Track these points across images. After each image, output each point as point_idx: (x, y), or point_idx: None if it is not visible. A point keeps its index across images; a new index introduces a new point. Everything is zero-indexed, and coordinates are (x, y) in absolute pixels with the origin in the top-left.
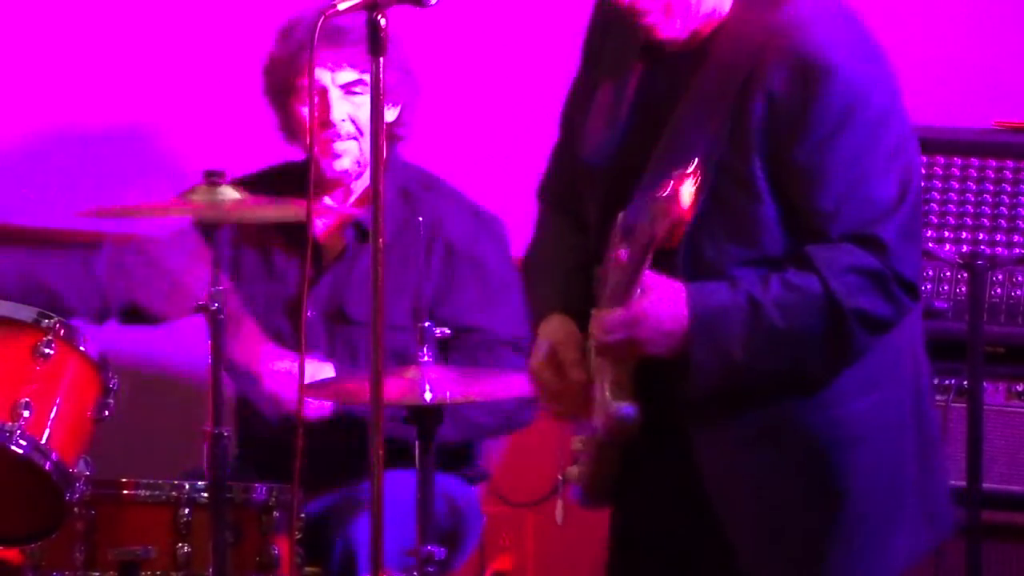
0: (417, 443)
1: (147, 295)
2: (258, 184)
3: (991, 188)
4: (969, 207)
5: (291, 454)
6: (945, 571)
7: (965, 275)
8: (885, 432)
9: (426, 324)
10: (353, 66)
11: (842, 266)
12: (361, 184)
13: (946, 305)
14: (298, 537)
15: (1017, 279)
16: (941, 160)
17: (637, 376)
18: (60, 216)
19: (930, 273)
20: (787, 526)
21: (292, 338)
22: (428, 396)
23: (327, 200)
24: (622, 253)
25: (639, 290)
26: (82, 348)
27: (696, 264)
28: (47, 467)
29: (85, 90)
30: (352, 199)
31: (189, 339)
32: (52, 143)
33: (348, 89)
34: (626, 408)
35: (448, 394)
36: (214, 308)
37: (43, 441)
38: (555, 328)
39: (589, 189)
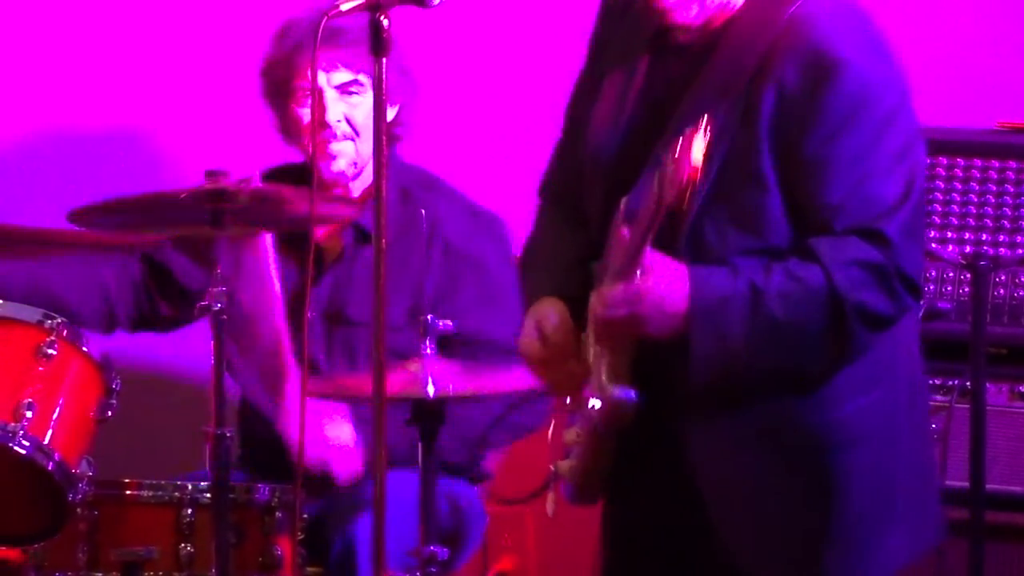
0: (420, 443)
1: (154, 303)
2: None
3: (994, 189)
4: (972, 208)
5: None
6: (946, 571)
7: (968, 276)
8: (882, 431)
9: (428, 317)
10: (348, 67)
11: (846, 259)
12: (359, 185)
13: (949, 306)
14: (300, 538)
15: (1020, 280)
16: (944, 161)
17: (634, 370)
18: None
19: (933, 274)
20: (783, 526)
21: (292, 339)
22: (431, 390)
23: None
24: (625, 231)
25: (641, 270)
26: (85, 349)
27: (698, 250)
28: (50, 467)
29: (85, 91)
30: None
31: (191, 340)
32: (52, 144)
33: (344, 90)
34: (624, 391)
35: (451, 387)
36: (216, 309)
37: (46, 441)
38: (544, 306)
39: (593, 180)
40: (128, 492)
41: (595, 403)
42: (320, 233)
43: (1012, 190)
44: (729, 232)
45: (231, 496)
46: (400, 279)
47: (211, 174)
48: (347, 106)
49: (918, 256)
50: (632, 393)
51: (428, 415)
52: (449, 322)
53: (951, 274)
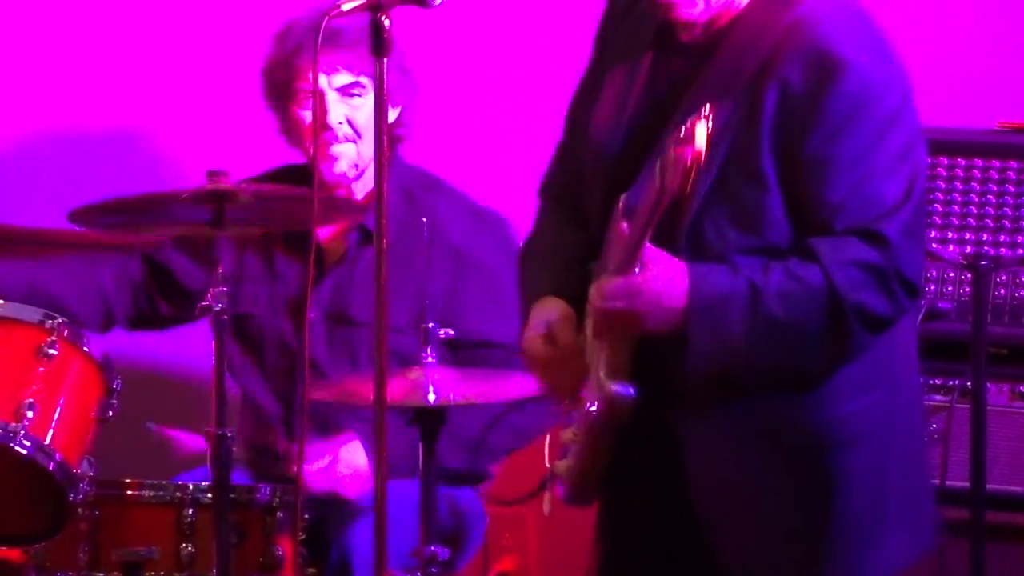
0: (420, 443)
1: (153, 302)
2: None
3: (995, 189)
4: (973, 208)
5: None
6: (946, 571)
7: (969, 276)
8: (881, 431)
9: (430, 325)
10: (349, 69)
11: (845, 259)
12: (362, 187)
13: (950, 306)
14: (302, 538)
15: (1021, 280)
16: (945, 161)
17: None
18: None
19: (934, 274)
20: (782, 526)
21: (294, 339)
22: (432, 398)
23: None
24: (624, 226)
25: (640, 264)
26: (86, 349)
27: (697, 247)
28: (51, 467)
29: (85, 91)
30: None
31: (192, 340)
32: (52, 144)
33: (345, 92)
34: (623, 387)
35: (451, 395)
36: (217, 309)
37: (47, 441)
38: (549, 306)
39: (594, 177)
40: (129, 492)
41: (593, 401)
42: (324, 234)
43: (1013, 190)
44: (729, 230)
45: (232, 496)
46: (403, 281)
47: (212, 174)
48: (348, 108)
49: (918, 257)
50: (630, 389)
51: (429, 422)
52: (451, 330)
53: (952, 274)
